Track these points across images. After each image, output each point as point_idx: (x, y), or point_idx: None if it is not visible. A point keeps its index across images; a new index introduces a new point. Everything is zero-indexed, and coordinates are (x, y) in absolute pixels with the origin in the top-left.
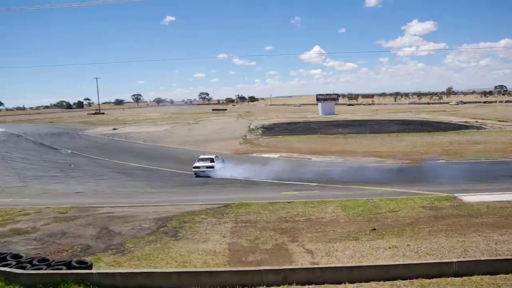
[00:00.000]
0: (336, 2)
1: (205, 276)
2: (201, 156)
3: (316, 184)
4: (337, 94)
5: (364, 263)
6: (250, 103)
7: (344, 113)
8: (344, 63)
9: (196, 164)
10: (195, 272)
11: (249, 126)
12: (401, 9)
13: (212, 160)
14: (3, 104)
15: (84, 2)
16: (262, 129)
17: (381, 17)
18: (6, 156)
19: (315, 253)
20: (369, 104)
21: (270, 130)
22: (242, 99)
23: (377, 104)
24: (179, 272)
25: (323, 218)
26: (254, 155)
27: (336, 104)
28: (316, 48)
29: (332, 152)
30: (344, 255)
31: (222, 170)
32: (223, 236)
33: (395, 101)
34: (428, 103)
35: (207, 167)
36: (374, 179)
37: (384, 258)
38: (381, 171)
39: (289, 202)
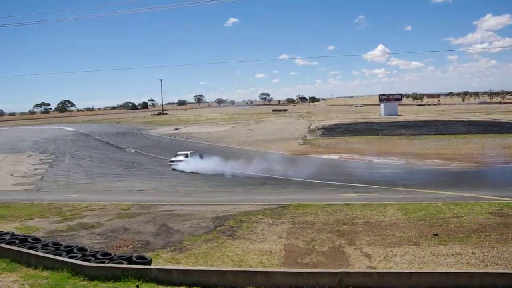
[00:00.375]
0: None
1: (260, 276)
2: (179, 152)
3: (376, 186)
4: (400, 94)
5: (425, 270)
6: (311, 103)
7: (407, 113)
8: (409, 62)
9: (172, 159)
10: (251, 271)
11: (309, 127)
12: (473, 3)
13: (186, 156)
14: (74, 105)
15: (148, 7)
16: (322, 129)
17: (451, 13)
18: (75, 154)
19: (372, 257)
20: (435, 104)
21: (330, 130)
22: (302, 99)
23: (444, 104)
24: (234, 271)
25: (382, 221)
26: (314, 155)
27: (399, 104)
28: (380, 47)
29: (394, 154)
30: (403, 260)
31: (191, 164)
32: (280, 237)
33: (463, 101)
34: (500, 103)
35: (180, 161)
36: (437, 182)
37: (446, 265)
38: (446, 174)
39: (347, 204)
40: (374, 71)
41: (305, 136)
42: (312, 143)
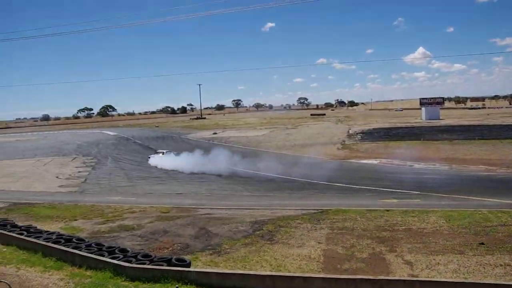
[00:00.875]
0: (444, 1)
1: (299, 281)
2: (158, 150)
3: (418, 192)
4: (442, 98)
5: (470, 280)
6: (349, 107)
7: (450, 117)
8: (451, 64)
9: (150, 155)
10: (289, 276)
11: (348, 131)
12: None
13: (162, 153)
14: (115, 110)
15: (187, 14)
16: (361, 134)
17: (496, 13)
18: (117, 157)
19: (414, 265)
20: (479, 108)
21: (369, 135)
22: (341, 103)
23: (489, 107)
24: (273, 275)
25: (424, 228)
26: (353, 160)
27: (441, 108)
28: (421, 49)
29: (436, 159)
30: (447, 270)
31: (165, 160)
32: (319, 242)
33: (510, 104)
34: None
35: (155, 156)
36: (483, 189)
37: (493, 276)
38: (491, 181)
39: (387, 210)
40: (414, 74)
41: (344, 141)
42: (351, 147)
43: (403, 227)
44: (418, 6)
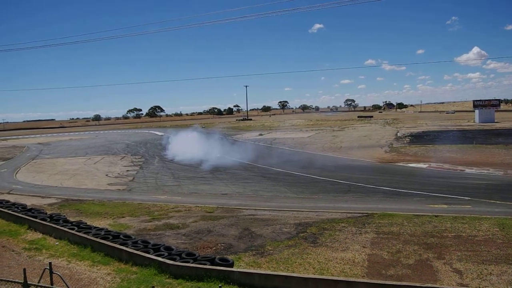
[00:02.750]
0: None
1: (342, 286)
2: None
3: (469, 198)
4: (498, 100)
5: None
6: (398, 110)
7: (506, 120)
8: (509, 64)
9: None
10: (332, 280)
11: (396, 134)
12: None
13: None
14: (163, 110)
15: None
16: (410, 137)
17: None
18: (163, 157)
19: (464, 274)
20: None
21: (418, 138)
22: (389, 105)
23: None
24: (316, 279)
25: (475, 236)
26: (400, 164)
27: (496, 110)
28: (475, 49)
29: (490, 164)
30: (500, 280)
31: None
32: (363, 247)
33: None
34: None
35: None
36: None
37: None
38: None
39: (436, 216)
40: (468, 76)
41: (392, 144)
42: (399, 151)
43: (453, 234)
44: (474, 4)
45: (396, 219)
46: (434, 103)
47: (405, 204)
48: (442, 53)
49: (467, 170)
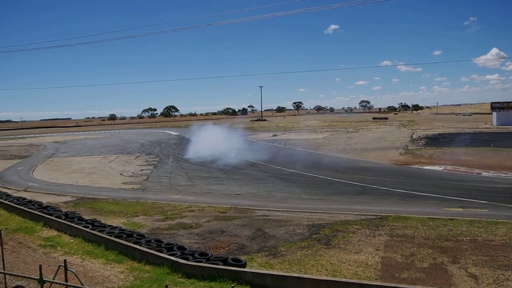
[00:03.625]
0: None
1: None
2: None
3: (486, 202)
4: None
5: None
6: (414, 111)
7: None
8: None
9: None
10: (345, 282)
11: (411, 136)
12: None
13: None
14: (178, 110)
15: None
16: (425, 139)
17: None
18: (178, 157)
19: (479, 279)
20: None
21: (434, 140)
22: (405, 107)
23: None
24: (328, 280)
25: (492, 240)
26: (416, 166)
27: None
28: (494, 50)
29: (508, 168)
30: None
31: None
32: (377, 249)
33: None
34: None
35: None
36: None
37: None
38: None
39: (451, 219)
40: (486, 77)
41: (407, 146)
42: (414, 153)
43: (468, 238)
44: (493, 4)
45: (411, 222)
46: (451, 105)
47: (420, 207)
48: (459, 54)
49: (484, 173)
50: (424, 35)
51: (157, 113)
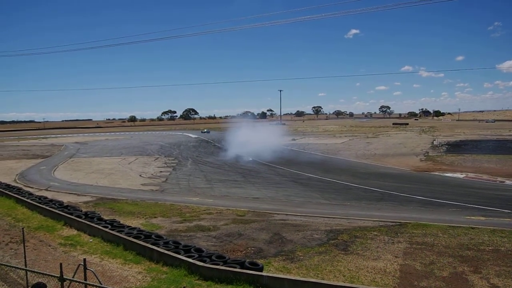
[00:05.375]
0: None
1: None
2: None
3: (509, 211)
4: None
5: None
6: (435, 117)
7: None
8: None
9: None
10: None
11: (432, 142)
12: None
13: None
14: (197, 113)
15: (271, 21)
16: (446, 146)
17: None
18: (197, 160)
19: None
20: None
21: (456, 147)
22: (426, 113)
23: None
24: (346, 287)
25: None
26: (436, 173)
27: None
28: None
29: None
30: None
31: None
32: (395, 256)
33: None
34: None
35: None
36: None
37: None
38: None
39: (472, 228)
40: (511, 84)
41: (428, 152)
42: (435, 159)
43: (490, 248)
44: None
45: (431, 229)
46: (473, 111)
47: (440, 215)
48: (483, 60)
49: (508, 182)
50: (447, 41)
51: (176, 116)
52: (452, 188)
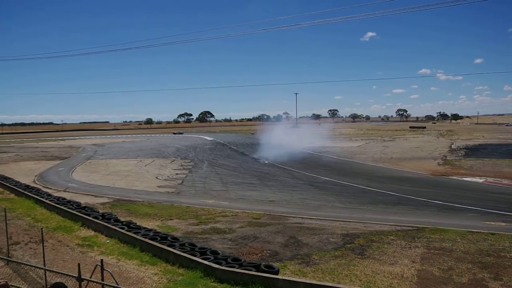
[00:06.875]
0: None
1: None
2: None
3: None
4: None
5: None
6: (453, 121)
7: None
8: None
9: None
10: None
11: (450, 146)
12: None
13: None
14: (213, 116)
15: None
16: (465, 149)
17: None
18: (213, 162)
19: None
20: None
21: (475, 151)
22: (443, 116)
23: None
24: None
25: None
26: (454, 177)
27: None
28: None
29: None
30: None
31: None
32: (413, 261)
33: None
34: None
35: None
36: None
37: None
38: None
39: (492, 234)
40: None
41: (445, 156)
42: (453, 163)
43: (511, 254)
44: None
45: (449, 234)
46: (493, 114)
47: (459, 220)
48: (502, 62)
49: None
50: (465, 43)
51: (192, 118)
52: (470, 193)
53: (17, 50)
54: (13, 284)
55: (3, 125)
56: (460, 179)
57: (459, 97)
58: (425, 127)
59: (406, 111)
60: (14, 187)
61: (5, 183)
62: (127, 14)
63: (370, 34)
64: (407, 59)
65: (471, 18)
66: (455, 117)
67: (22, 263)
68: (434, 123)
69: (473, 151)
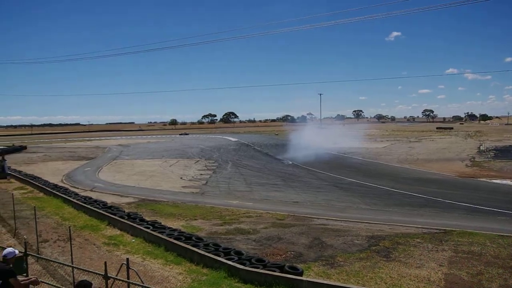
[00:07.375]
0: None
1: None
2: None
3: None
4: None
5: None
6: (482, 121)
7: None
8: None
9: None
10: None
11: (478, 147)
12: None
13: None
14: (237, 116)
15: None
16: (494, 151)
17: None
18: (237, 163)
19: None
20: None
21: (504, 152)
22: (471, 117)
23: None
24: None
25: None
26: (483, 179)
27: None
28: None
29: None
30: None
31: None
32: (440, 265)
33: None
34: None
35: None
36: None
37: None
38: None
39: None
40: None
41: (474, 157)
42: (482, 165)
43: None
44: None
45: (478, 238)
46: None
47: (488, 223)
48: None
49: None
50: (494, 41)
51: (216, 119)
52: (500, 195)
53: (48, 52)
54: (43, 280)
55: (32, 126)
56: (489, 181)
57: (488, 97)
58: (452, 128)
59: (432, 111)
60: (43, 187)
61: (34, 182)
62: (150, 12)
63: (395, 33)
64: (433, 59)
65: (500, 15)
66: (484, 117)
67: (51, 260)
68: (462, 123)
69: (503, 152)
